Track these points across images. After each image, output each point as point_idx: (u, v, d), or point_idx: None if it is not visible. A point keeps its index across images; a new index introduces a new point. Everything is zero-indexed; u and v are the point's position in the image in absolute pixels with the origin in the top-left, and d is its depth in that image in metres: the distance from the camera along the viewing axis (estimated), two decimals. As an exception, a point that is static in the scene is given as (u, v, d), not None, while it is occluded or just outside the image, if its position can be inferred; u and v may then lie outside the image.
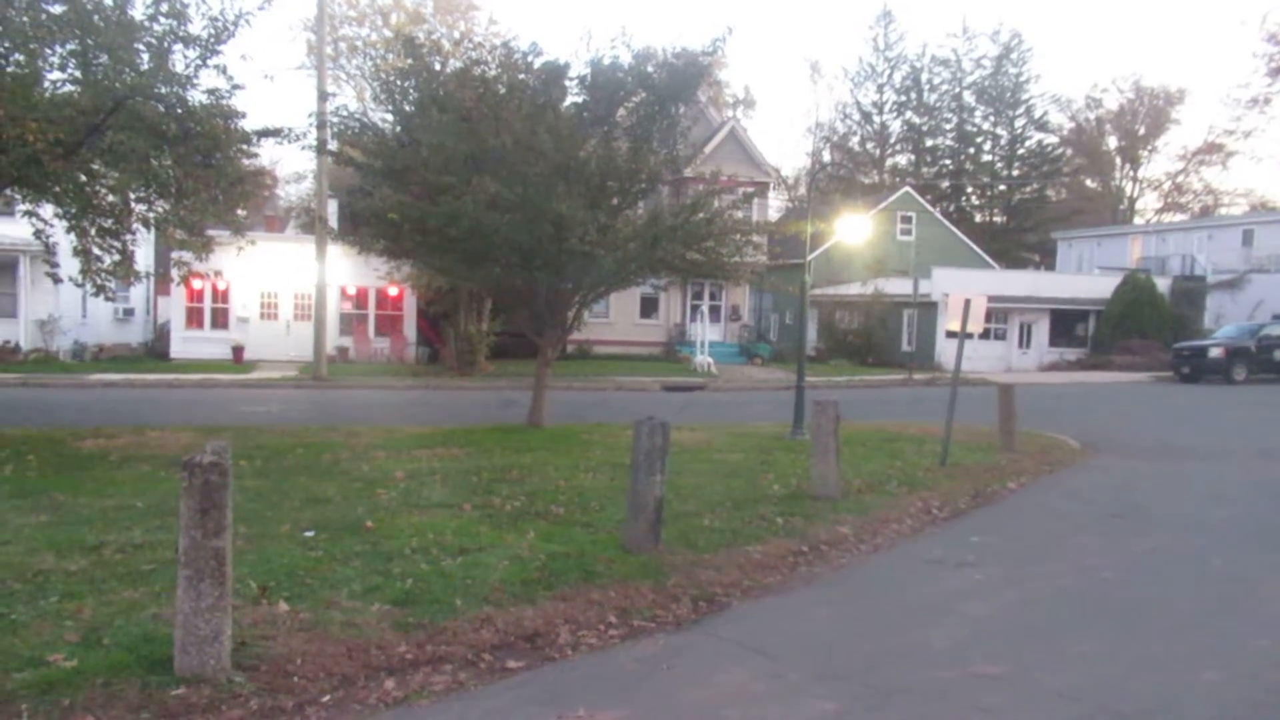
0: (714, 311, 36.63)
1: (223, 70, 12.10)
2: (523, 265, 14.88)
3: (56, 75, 12.02)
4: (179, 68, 11.93)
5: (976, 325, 12.93)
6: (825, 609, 6.55)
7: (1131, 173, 63.87)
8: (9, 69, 11.08)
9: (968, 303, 12.66)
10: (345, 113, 16.24)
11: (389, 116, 17.32)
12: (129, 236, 13.38)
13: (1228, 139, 58.23)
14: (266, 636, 5.18)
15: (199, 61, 11.93)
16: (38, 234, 13.10)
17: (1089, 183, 65.08)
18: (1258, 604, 6.88)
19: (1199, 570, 7.85)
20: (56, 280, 14.18)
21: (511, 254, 14.64)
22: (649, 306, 36.54)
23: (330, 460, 11.53)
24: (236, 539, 6.77)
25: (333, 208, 28.57)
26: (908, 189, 45.27)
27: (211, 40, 11.77)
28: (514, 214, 13.54)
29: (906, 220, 42.32)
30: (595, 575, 6.67)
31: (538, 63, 14.87)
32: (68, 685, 4.49)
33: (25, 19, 10.99)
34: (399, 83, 15.34)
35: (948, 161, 63.40)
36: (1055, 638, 5.96)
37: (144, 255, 20.23)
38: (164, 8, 11.66)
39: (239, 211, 15.40)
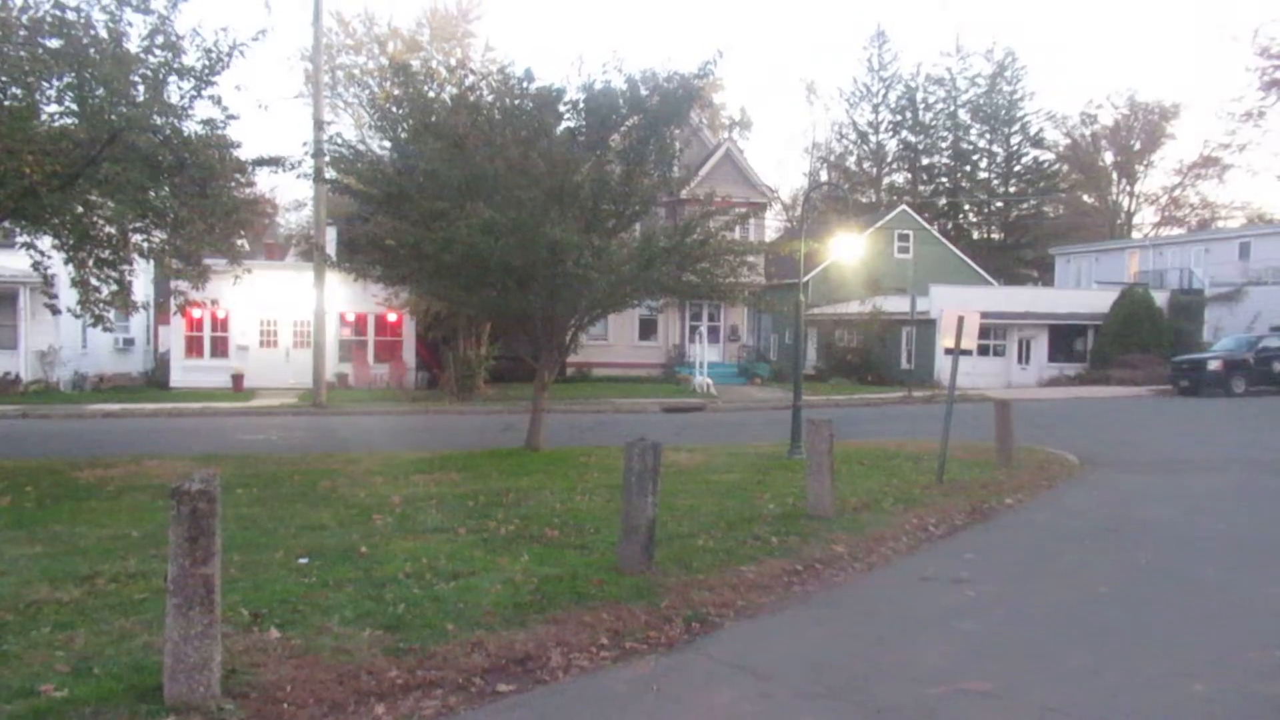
0: (713, 332, 36.68)
1: (217, 101, 12.23)
2: (518, 289, 14.96)
3: (53, 108, 12.14)
4: (174, 99, 12.04)
5: (971, 341, 12.98)
6: (818, 628, 6.55)
7: (1128, 187, 64.02)
8: (6, 102, 11.19)
9: (961, 319, 12.71)
10: (341, 141, 16.34)
11: (385, 144, 17.48)
12: (126, 267, 13.47)
13: (1223, 153, 58.28)
14: (257, 664, 5.19)
15: (193, 92, 12.05)
16: (36, 265, 13.19)
17: (1086, 198, 65.22)
18: (1250, 616, 6.88)
19: (1193, 584, 7.84)
20: (55, 311, 14.26)
21: (507, 278, 14.73)
22: (648, 328, 36.60)
23: (327, 487, 11.55)
24: (230, 567, 6.82)
25: (331, 235, 28.68)
26: (905, 207, 45.42)
27: (206, 71, 11.89)
28: (508, 238, 13.62)
29: (904, 238, 42.44)
30: (588, 597, 6.69)
31: (532, 88, 15.01)
32: (57, 716, 4.50)
33: (23, 53, 11.10)
34: (394, 110, 15.49)
35: (944, 179, 63.67)
36: (1047, 653, 5.96)
37: (142, 285, 20.34)
38: (159, 40, 11.80)
39: (236, 240, 15.50)
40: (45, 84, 11.47)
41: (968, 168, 63.00)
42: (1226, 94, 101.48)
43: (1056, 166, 62.32)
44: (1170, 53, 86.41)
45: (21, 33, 11.13)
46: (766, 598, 7.09)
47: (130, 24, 11.82)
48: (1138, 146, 61.63)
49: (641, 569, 7.34)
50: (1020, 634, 6.44)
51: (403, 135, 15.41)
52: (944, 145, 63.33)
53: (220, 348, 30.67)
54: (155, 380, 31.69)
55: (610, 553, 7.81)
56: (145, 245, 13.50)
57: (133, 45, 11.82)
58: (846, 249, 33.05)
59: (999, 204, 61.15)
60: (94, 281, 13.09)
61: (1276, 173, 77.87)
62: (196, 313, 26.35)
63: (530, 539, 8.55)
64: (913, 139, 63.50)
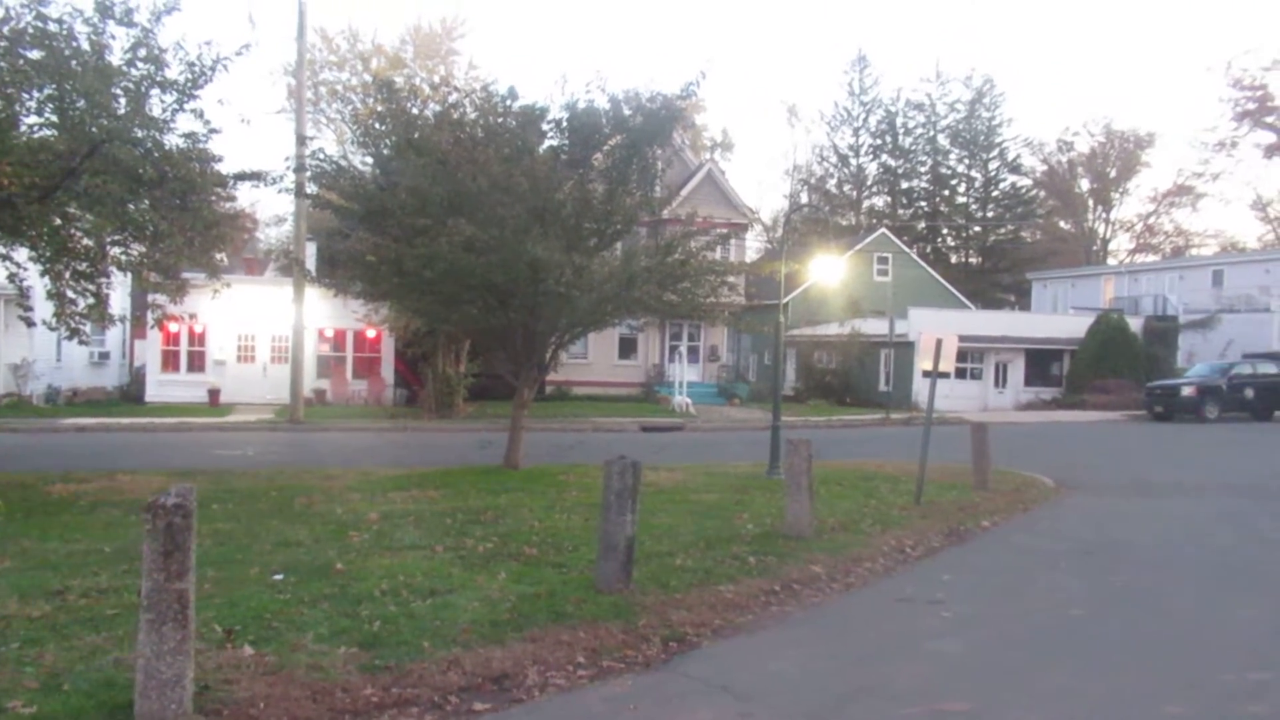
0: (692, 352, 36.73)
1: (199, 114, 12.16)
2: (499, 306, 14.94)
3: (33, 120, 12.05)
4: (156, 112, 11.97)
5: (949, 364, 13.06)
6: (795, 648, 6.54)
7: (1104, 214, 64.95)
8: (-15, 113, 11.11)
9: (939, 342, 12.80)
10: (324, 156, 16.28)
11: (368, 160, 17.46)
12: (104, 280, 13.33)
13: (1197, 181, 59.49)
14: (230, 680, 5.13)
15: (176, 106, 11.99)
16: (11, 277, 13.04)
17: (1062, 224, 66.08)
18: (1224, 638, 6.93)
19: (1168, 605, 7.91)
20: (30, 324, 14.09)
21: (488, 295, 14.71)
22: (627, 347, 36.61)
23: (303, 503, 11.45)
24: (205, 582, 6.74)
25: (311, 250, 28.58)
26: (884, 230, 45.80)
27: (189, 85, 11.84)
28: (490, 256, 13.61)
29: (883, 261, 42.76)
30: (565, 616, 6.66)
31: (515, 107, 15.06)
32: (25, 732, 4.44)
33: (3, 64, 11.04)
34: (377, 126, 15.48)
35: (923, 203, 64.23)
36: (1023, 674, 5.98)
37: (119, 298, 20.17)
38: (142, 53, 11.74)
39: (215, 255, 15.39)
40: (25, 95, 11.37)
41: (946, 192, 63.60)
42: (1200, 124, 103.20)
43: (1034, 192, 63.06)
44: (1146, 82, 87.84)
45: (2, 43, 11.06)
46: (744, 617, 7.09)
47: (113, 36, 11.75)
48: (1113, 174, 62.56)
49: (619, 588, 7.32)
50: (997, 655, 6.46)
51: (385, 151, 15.39)
52: (923, 169, 63.96)
53: (197, 362, 30.42)
54: (130, 394, 31.35)
55: (588, 571, 7.79)
56: (123, 258, 13.38)
57: (115, 58, 11.75)
58: (826, 271, 33.19)
59: (977, 228, 61.75)
60: (70, 294, 12.93)
61: (1249, 201, 79.00)
62: (173, 327, 26.05)
63: (508, 557, 8.51)
64: (892, 163, 64.13)
